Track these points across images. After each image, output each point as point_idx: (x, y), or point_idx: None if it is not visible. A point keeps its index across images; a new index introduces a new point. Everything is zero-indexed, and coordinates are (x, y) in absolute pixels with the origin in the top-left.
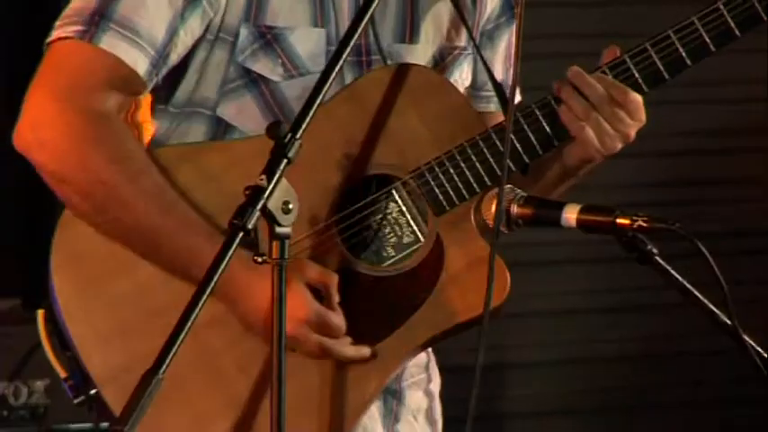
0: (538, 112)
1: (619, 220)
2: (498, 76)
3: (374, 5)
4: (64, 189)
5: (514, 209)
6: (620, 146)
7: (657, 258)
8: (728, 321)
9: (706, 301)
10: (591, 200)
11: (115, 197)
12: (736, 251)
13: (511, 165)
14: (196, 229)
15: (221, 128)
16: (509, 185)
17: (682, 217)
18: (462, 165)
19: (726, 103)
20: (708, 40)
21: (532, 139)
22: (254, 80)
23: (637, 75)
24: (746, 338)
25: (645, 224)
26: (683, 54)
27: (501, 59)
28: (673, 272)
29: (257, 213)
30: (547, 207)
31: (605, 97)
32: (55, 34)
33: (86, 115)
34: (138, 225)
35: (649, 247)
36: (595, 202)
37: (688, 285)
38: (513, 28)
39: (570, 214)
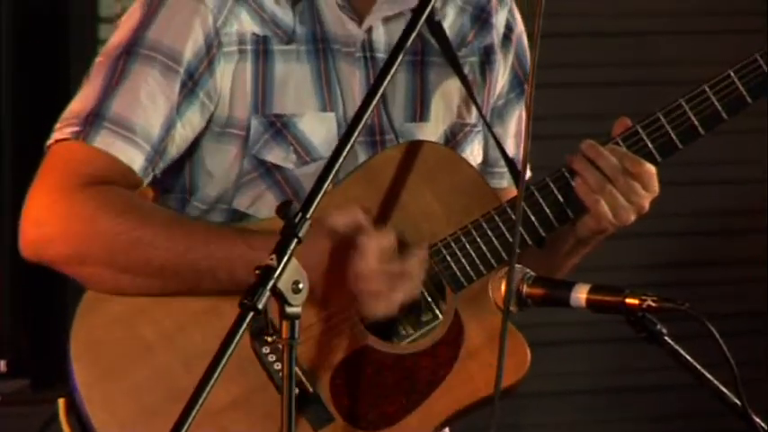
0: (552, 185)
1: (628, 300)
2: (509, 151)
3: (384, 85)
4: (87, 270)
5: (524, 289)
6: (633, 217)
7: (667, 338)
8: (738, 402)
9: (715, 381)
10: (596, 280)
11: (136, 244)
12: (738, 331)
13: (527, 238)
14: (225, 236)
15: (237, 218)
16: (519, 265)
17: (684, 297)
18: (478, 240)
19: (726, 183)
20: (719, 107)
21: (548, 212)
22: (268, 170)
23: (650, 145)
24: (756, 419)
25: (654, 304)
26: (696, 123)
27: (512, 135)
28: (682, 352)
29: (267, 293)
30: (556, 287)
31: (619, 169)
32: (53, 137)
33: (84, 194)
34: (168, 259)
35: (659, 326)
36: (603, 283)
37: (697, 365)
38: (524, 104)
39: (580, 294)
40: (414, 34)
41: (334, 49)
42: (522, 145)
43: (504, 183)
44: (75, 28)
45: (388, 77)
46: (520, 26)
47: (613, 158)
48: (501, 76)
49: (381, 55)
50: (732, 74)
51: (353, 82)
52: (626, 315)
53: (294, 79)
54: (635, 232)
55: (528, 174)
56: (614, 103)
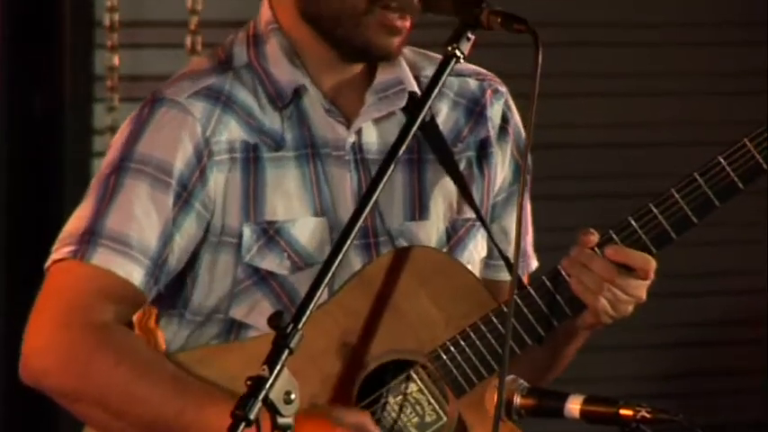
0: (549, 284)
1: (622, 411)
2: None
3: (378, 191)
4: (81, 407)
5: (517, 399)
6: (631, 309)
7: None
8: None
9: None
10: (593, 392)
11: (129, 397)
12: None
13: (526, 338)
14: (218, 401)
15: (235, 327)
16: (512, 375)
17: (683, 408)
18: (478, 343)
19: (726, 294)
20: (711, 195)
21: (546, 311)
22: (263, 277)
23: (644, 237)
24: None
25: (648, 415)
26: (688, 212)
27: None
28: None
29: (259, 404)
30: (550, 398)
31: (614, 268)
32: (51, 258)
33: (84, 330)
34: (159, 415)
35: None
36: (598, 394)
37: None
38: (527, 194)
39: (573, 405)
40: (407, 141)
41: (323, 154)
42: (523, 233)
43: (508, 276)
44: (69, 138)
45: (381, 184)
46: (516, 115)
47: (606, 260)
48: (500, 169)
49: (372, 156)
50: (722, 160)
51: (345, 185)
52: (620, 426)
53: (285, 185)
54: (632, 343)
55: (534, 264)
56: (616, 162)
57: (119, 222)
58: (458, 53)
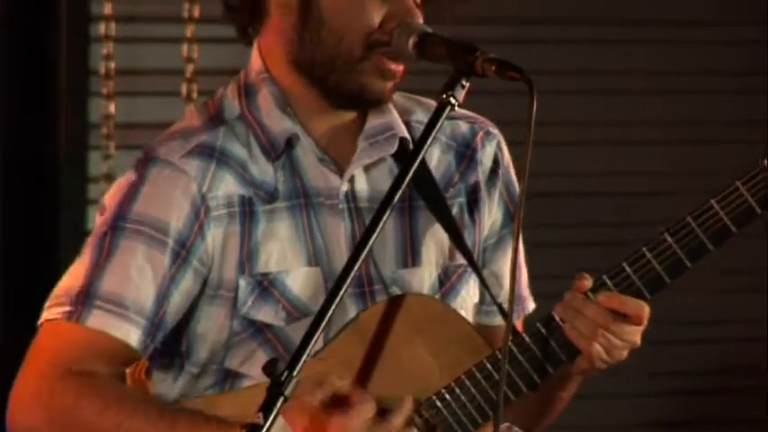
0: (543, 330)
1: None
2: (508, 284)
3: (374, 237)
4: None
5: None
6: (626, 354)
7: None
8: None
9: None
10: None
11: None
12: None
13: (521, 386)
14: (209, 421)
15: (230, 377)
16: (506, 423)
17: None
18: (473, 390)
19: (726, 342)
20: (704, 239)
21: (540, 357)
22: (258, 329)
23: (638, 282)
24: None
25: None
26: (682, 256)
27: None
28: None
29: None
30: None
31: (608, 314)
32: (44, 316)
33: (65, 381)
34: None
35: None
36: None
37: None
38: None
39: None
40: (401, 189)
41: (316, 203)
42: (517, 276)
43: (501, 321)
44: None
45: (376, 233)
46: (507, 158)
47: (599, 306)
48: (489, 214)
49: (365, 204)
50: (714, 204)
51: (338, 234)
52: None
53: (279, 237)
54: (630, 392)
55: (531, 305)
56: (609, 210)
57: (114, 284)
58: (452, 100)
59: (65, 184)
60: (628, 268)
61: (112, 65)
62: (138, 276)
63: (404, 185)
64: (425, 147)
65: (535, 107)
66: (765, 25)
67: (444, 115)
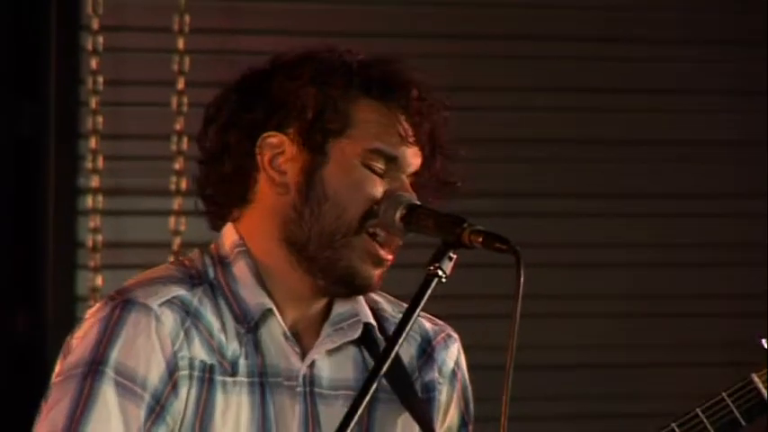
0: None
1: None
2: None
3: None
4: None
5: None
6: None
7: None
8: None
9: None
10: None
11: None
12: None
13: None
14: None
15: None
16: None
17: None
18: None
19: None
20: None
21: None
22: None
23: None
24: None
25: None
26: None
27: None
28: None
29: None
30: None
31: None
32: None
33: None
34: None
35: None
36: None
37: None
38: None
39: None
40: (376, 382)
41: (273, 383)
42: None
43: None
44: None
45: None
46: (464, 364)
47: None
48: (444, 413)
49: (322, 390)
50: (726, 397)
51: (291, 417)
52: None
53: (232, 412)
54: None
55: None
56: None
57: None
58: (440, 273)
59: (51, 357)
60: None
61: (99, 237)
62: (117, 428)
63: (384, 369)
64: (411, 322)
65: (522, 279)
66: None
67: (431, 287)
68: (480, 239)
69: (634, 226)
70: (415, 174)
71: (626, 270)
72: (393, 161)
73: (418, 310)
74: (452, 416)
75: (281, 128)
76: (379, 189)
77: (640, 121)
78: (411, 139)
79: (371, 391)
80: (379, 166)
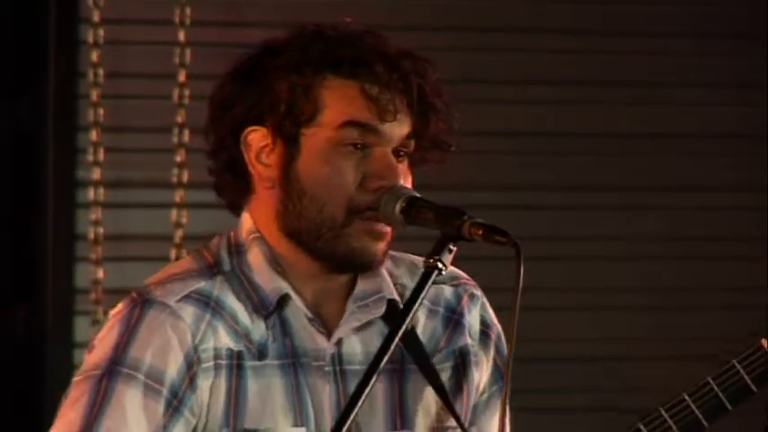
0: None
1: None
2: None
3: (360, 404)
4: None
5: None
6: None
7: None
8: None
9: None
10: None
11: None
12: None
13: None
14: None
15: None
16: None
17: None
18: None
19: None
20: (699, 414)
21: None
22: None
23: None
24: None
25: None
26: (699, 415)
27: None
28: None
29: None
30: None
31: None
32: None
33: None
34: None
35: None
36: None
37: None
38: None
39: None
40: (387, 355)
41: (304, 363)
42: None
43: None
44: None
45: (361, 400)
46: (493, 316)
47: None
48: (479, 374)
49: (352, 367)
50: (736, 363)
51: (324, 396)
52: None
53: (266, 395)
54: None
55: None
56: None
57: (110, 430)
58: (439, 265)
59: (50, 351)
60: (643, 428)
61: (101, 230)
62: (133, 424)
63: (391, 350)
64: (412, 312)
65: (522, 271)
66: None
67: (431, 281)
68: (480, 232)
69: (634, 219)
70: (412, 139)
71: (626, 263)
72: (372, 132)
73: (418, 304)
74: (490, 369)
75: (261, 121)
76: (353, 177)
77: (641, 114)
78: (390, 110)
79: (381, 364)
80: (356, 138)
